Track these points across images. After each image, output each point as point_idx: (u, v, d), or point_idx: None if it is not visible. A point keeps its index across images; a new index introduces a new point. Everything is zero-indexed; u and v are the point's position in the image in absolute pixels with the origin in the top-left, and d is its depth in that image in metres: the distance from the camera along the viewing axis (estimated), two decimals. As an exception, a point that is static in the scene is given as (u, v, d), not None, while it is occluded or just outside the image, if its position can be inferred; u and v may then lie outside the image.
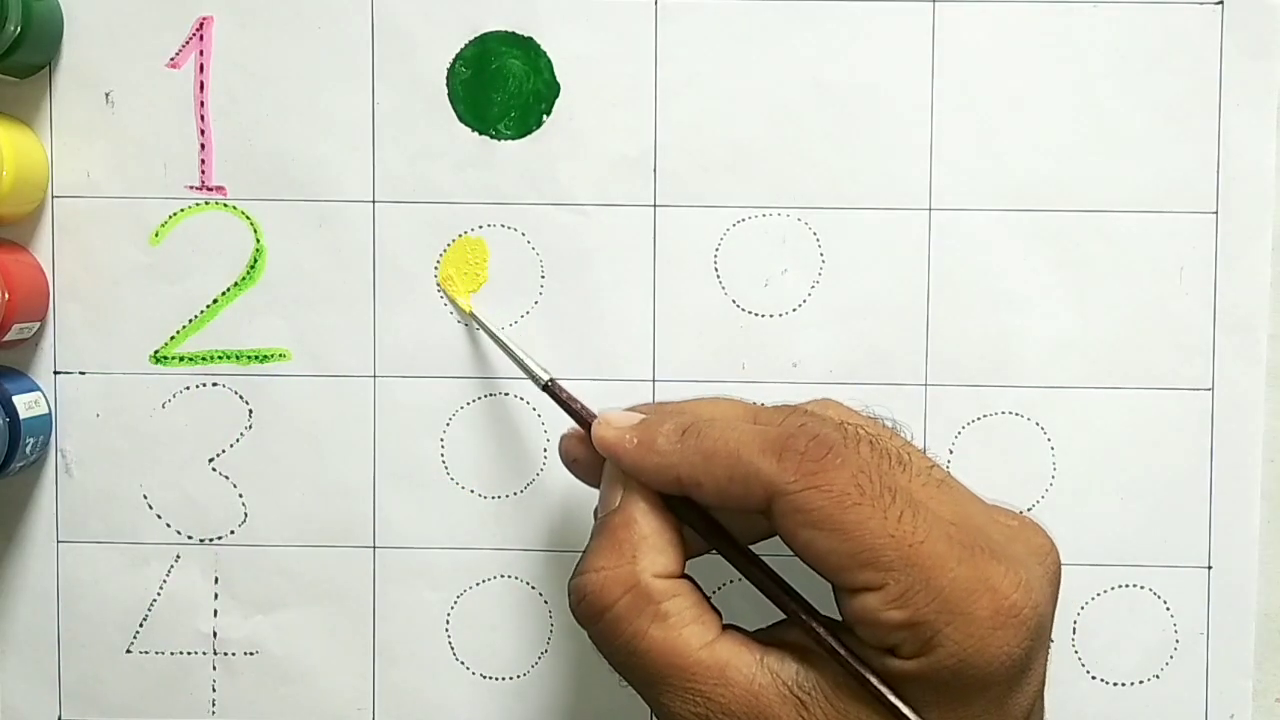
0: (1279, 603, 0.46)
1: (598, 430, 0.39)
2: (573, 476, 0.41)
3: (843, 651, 0.35)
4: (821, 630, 0.35)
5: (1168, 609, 0.46)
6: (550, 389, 0.42)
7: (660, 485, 0.37)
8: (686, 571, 0.38)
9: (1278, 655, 0.46)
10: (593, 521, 0.42)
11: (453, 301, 0.46)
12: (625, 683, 0.37)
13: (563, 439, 0.41)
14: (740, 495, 0.36)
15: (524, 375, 0.43)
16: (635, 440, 0.38)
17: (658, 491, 0.38)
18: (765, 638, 0.37)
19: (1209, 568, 0.46)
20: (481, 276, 0.46)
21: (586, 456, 0.40)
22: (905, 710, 0.34)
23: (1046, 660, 0.36)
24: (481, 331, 0.46)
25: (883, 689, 0.34)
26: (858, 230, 0.46)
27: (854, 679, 0.35)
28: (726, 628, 0.37)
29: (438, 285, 0.46)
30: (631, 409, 0.40)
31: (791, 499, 0.34)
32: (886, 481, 0.35)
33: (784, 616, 0.38)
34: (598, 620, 0.36)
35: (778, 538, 0.36)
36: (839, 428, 0.36)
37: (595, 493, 0.45)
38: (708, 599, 0.37)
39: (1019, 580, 0.34)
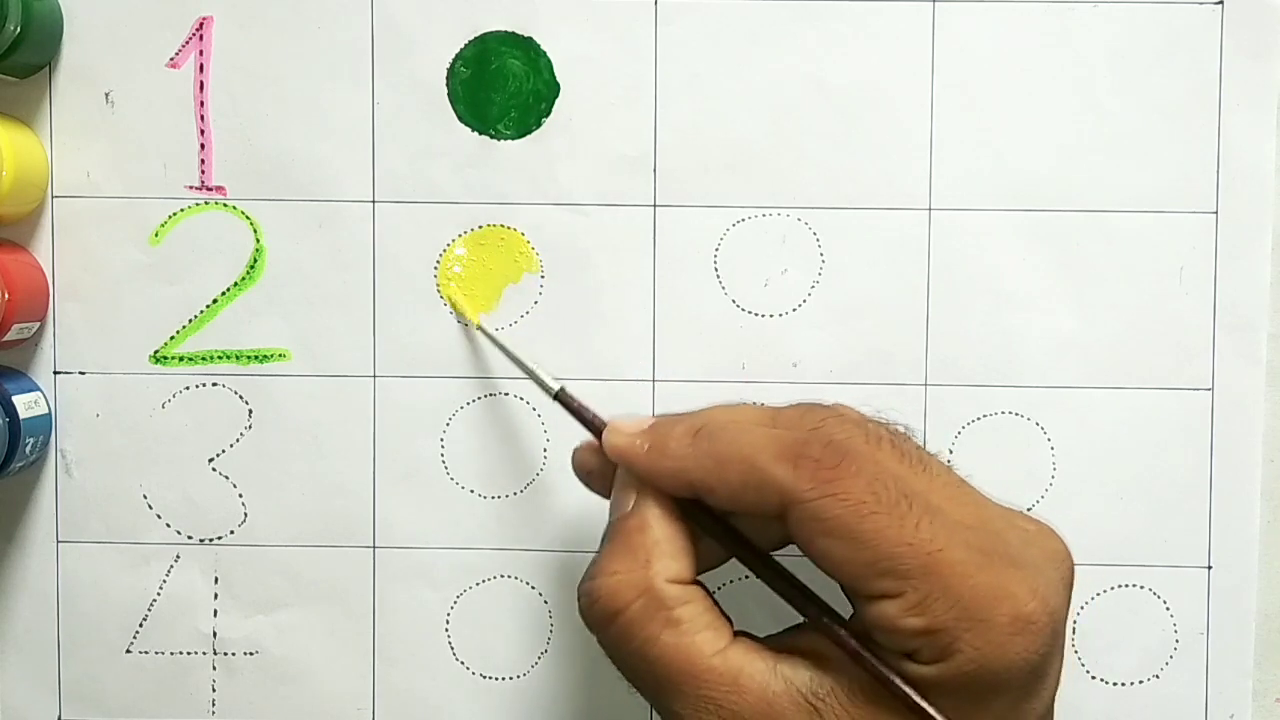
0: (1279, 603, 0.46)
1: (608, 438, 0.38)
2: (578, 483, 0.41)
3: (869, 656, 0.35)
4: (845, 635, 0.35)
5: (1168, 609, 0.46)
6: (561, 398, 0.42)
7: (674, 489, 0.37)
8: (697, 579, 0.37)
9: (1278, 655, 0.46)
10: (594, 520, 0.42)
11: (460, 314, 0.46)
12: (633, 689, 0.36)
13: (575, 452, 0.41)
14: (755, 502, 0.35)
15: (524, 376, 0.43)
16: (647, 445, 0.37)
17: (672, 497, 0.37)
18: (777, 644, 0.36)
19: (1209, 568, 0.46)
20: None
21: (600, 467, 0.40)
22: (934, 714, 0.34)
23: (1061, 664, 0.36)
24: (486, 337, 0.46)
25: (910, 693, 0.34)
26: (858, 230, 0.46)
27: (881, 684, 0.34)
28: (738, 634, 0.36)
29: (442, 297, 0.46)
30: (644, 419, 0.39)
31: (807, 507, 0.34)
32: (903, 488, 0.35)
33: (794, 623, 0.37)
34: (609, 625, 0.36)
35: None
36: (860, 427, 0.36)
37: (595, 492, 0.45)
38: (719, 606, 0.37)
39: (1036, 587, 0.34)
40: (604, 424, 0.40)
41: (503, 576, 0.47)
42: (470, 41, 0.46)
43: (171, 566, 0.47)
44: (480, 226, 0.46)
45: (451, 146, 0.46)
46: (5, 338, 0.44)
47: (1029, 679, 0.34)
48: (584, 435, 0.45)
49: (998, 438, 0.46)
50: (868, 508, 0.34)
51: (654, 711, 0.47)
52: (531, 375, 0.43)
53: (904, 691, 0.34)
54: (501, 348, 0.44)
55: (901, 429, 0.37)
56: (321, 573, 0.47)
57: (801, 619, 0.37)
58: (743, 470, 0.35)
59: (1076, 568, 0.37)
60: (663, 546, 0.37)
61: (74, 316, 0.47)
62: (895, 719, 0.34)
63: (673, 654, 0.35)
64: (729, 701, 0.34)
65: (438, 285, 0.46)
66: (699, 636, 0.35)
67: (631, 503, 0.38)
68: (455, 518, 0.47)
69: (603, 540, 0.38)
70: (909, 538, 0.34)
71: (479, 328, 0.46)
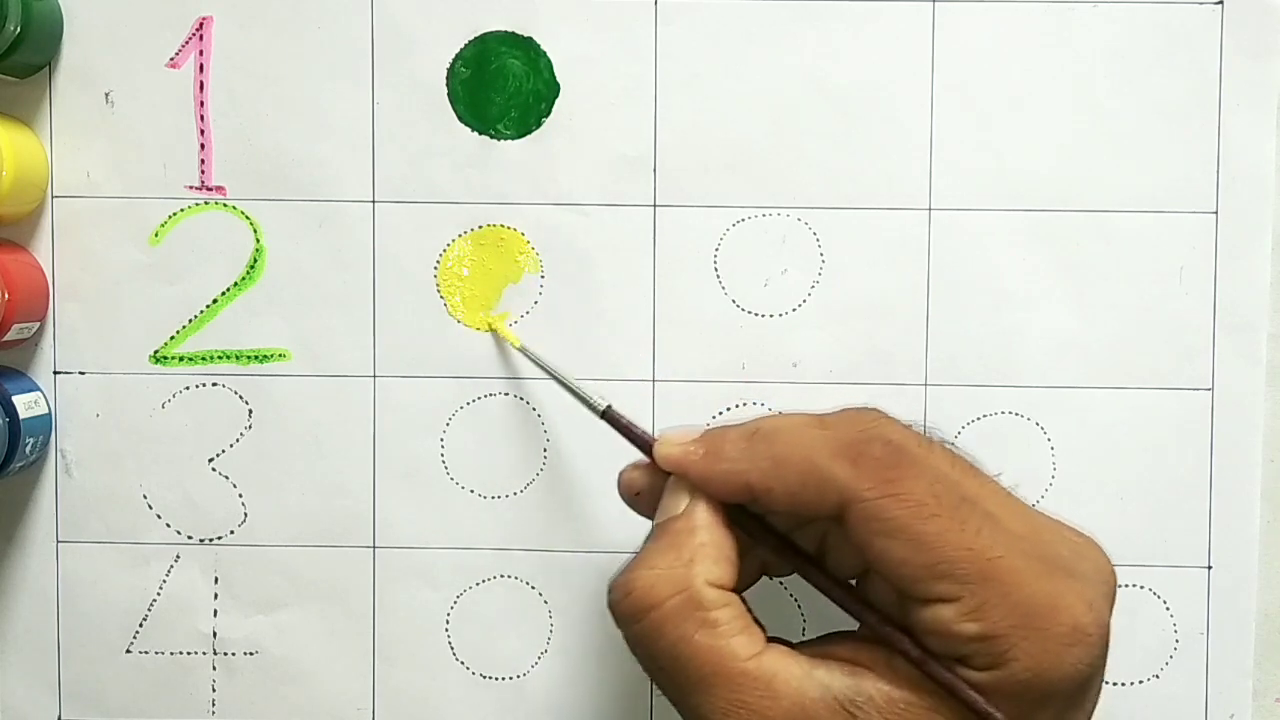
0: (1279, 603, 0.46)
1: (661, 449, 0.38)
2: (578, 483, 0.41)
3: (934, 663, 0.34)
4: (907, 641, 0.35)
5: (1168, 609, 0.46)
6: (609, 416, 0.41)
7: (729, 493, 0.37)
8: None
9: (1278, 655, 0.46)
10: (594, 520, 0.42)
11: (503, 339, 0.46)
12: (659, 691, 0.36)
13: (622, 474, 0.40)
14: (813, 502, 0.35)
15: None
16: (702, 451, 0.37)
17: (724, 505, 0.37)
18: (810, 651, 0.36)
19: (1209, 568, 0.46)
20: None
21: (649, 485, 0.39)
22: (997, 717, 0.33)
23: (1102, 680, 0.36)
24: (530, 360, 0.45)
25: (978, 700, 0.34)
26: (858, 230, 0.46)
27: (946, 690, 0.34)
28: (771, 640, 0.36)
29: (488, 328, 0.46)
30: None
31: (867, 506, 0.34)
32: (963, 492, 0.34)
33: (823, 632, 0.37)
34: (640, 619, 0.35)
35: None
36: (912, 430, 0.36)
37: (594, 492, 0.45)
38: (753, 614, 0.36)
39: (1090, 600, 0.34)
40: (654, 440, 0.39)
41: (503, 576, 0.47)
42: (470, 41, 0.46)
43: (171, 566, 0.47)
44: (480, 226, 0.46)
45: (451, 146, 0.46)
46: (5, 338, 0.44)
47: (1077, 691, 0.34)
48: (584, 437, 0.45)
49: (998, 438, 0.46)
50: (928, 509, 0.34)
51: (654, 712, 0.47)
52: (577, 395, 0.42)
53: (971, 698, 0.34)
54: (545, 369, 0.44)
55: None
56: (321, 573, 0.47)
57: (812, 629, 0.37)
58: (802, 469, 0.35)
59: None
60: (708, 550, 0.36)
61: (74, 316, 0.47)
62: None
63: (706, 655, 0.35)
64: (762, 706, 0.34)
65: (441, 289, 0.46)
66: (734, 640, 0.35)
67: (682, 507, 0.37)
68: (455, 518, 0.47)
69: (647, 539, 0.38)
70: (969, 542, 0.34)
71: (521, 349, 0.45)
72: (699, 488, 0.37)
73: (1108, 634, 0.35)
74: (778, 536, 0.38)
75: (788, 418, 0.37)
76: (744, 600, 0.36)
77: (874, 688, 0.34)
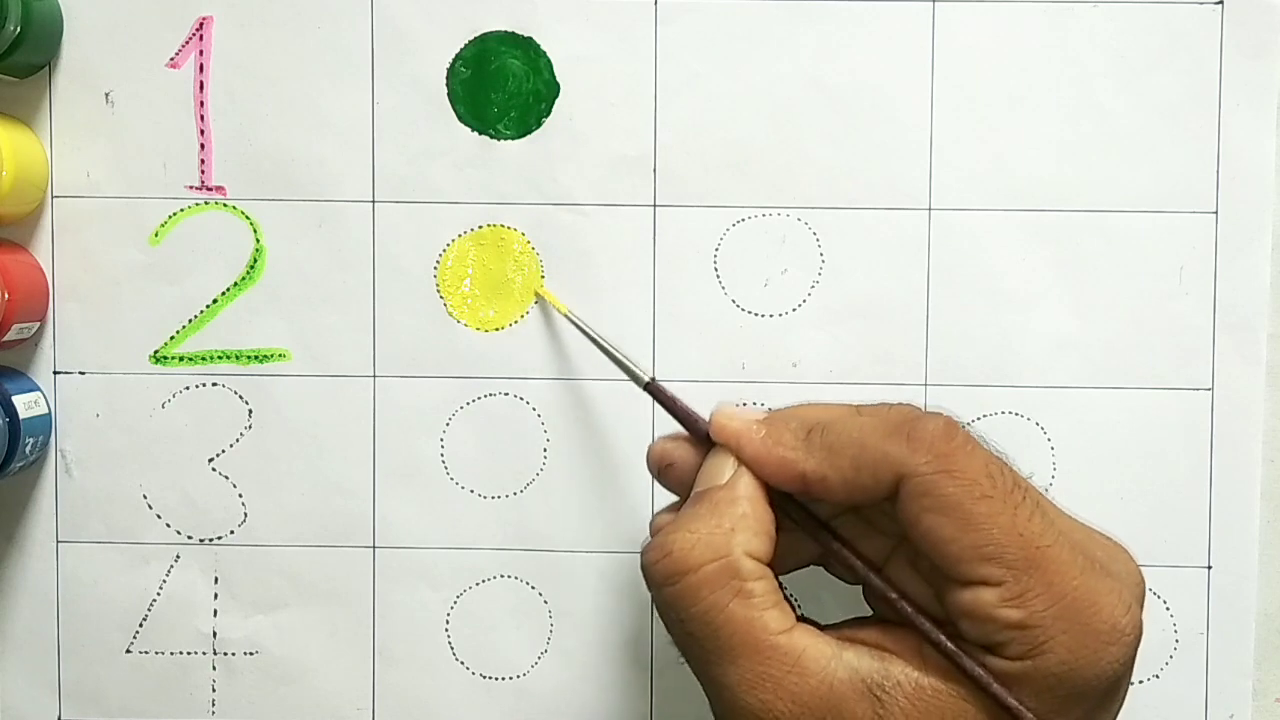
0: (1279, 603, 0.46)
1: (723, 421, 0.38)
2: (578, 483, 0.40)
3: (964, 655, 0.34)
4: (935, 630, 0.35)
5: (1168, 609, 0.46)
6: (653, 390, 0.41)
7: (779, 478, 0.37)
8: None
9: (1278, 655, 0.46)
10: (593, 520, 0.42)
11: (551, 306, 0.46)
12: (682, 659, 0.36)
13: (654, 446, 0.40)
14: (868, 484, 0.35)
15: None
16: (763, 432, 0.37)
17: (766, 486, 0.37)
18: (839, 634, 0.36)
19: (1209, 568, 0.46)
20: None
21: (684, 459, 0.39)
22: (1024, 713, 0.33)
23: (1129, 682, 0.36)
24: (575, 326, 0.45)
25: (1005, 695, 0.33)
26: (858, 230, 0.46)
27: (972, 681, 0.34)
28: (801, 620, 0.36)
29: (537, 295, 0.46)
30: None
31: (922, 481, 0.34)
32: (1015, 478, 0.35)
33: (852, 616, 0.37)
34: (675, 581, 0.35)
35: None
36: (953, 418, 0.36)
37: (594, 492, 0.45)
38: (785, 592, 0.36)
39: (1127, 601, 0.34)
40: (699, 416, 0.39)
41: (503, 576, 0.47)
42: (470, 41, 0.46)
43: (171, 566, 0.47)
44: (480, 226, 0.46)
45: (451, 146, 0.46)
46: (5, 338, 0.44)
47: (1108, 690, 0.34)
48: (584, 437, 0.45)
49: (998, 438, 0.46)
50: (981, 489, 0.34)
51: (654, 712, 0.47)
52: (622, 366, 0.42)
53: (999, 693, 0.33)
54: (591, 337, 0.44)
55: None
56: (321, 573, 0.47)
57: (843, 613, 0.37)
58: (855, 453, 0.35)
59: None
60: (749, 521, 0.36)
61: (74, 316, 0.47)
62: (960, 713, 0.34)
63: (738, 624, 0.35)
64: (789, 681, 0.34)
65: (441, 289, 0.46)
66: (767, 613, 0.35)
67: (726, 477, 0.37)
68: (455, 518, 0.47)
69: (687, 504, 0.37)
70: (1021, 528, 0.34)
71: (567, 314, 0.45)
72: (751, 466, 0.37)
73: (1140, 637, 0.35)
74: (817, 521, 0.38)
75: (831, 409, 0.37)
76: (777, 576, 0.36)
77: (902, 673, 0.34)
